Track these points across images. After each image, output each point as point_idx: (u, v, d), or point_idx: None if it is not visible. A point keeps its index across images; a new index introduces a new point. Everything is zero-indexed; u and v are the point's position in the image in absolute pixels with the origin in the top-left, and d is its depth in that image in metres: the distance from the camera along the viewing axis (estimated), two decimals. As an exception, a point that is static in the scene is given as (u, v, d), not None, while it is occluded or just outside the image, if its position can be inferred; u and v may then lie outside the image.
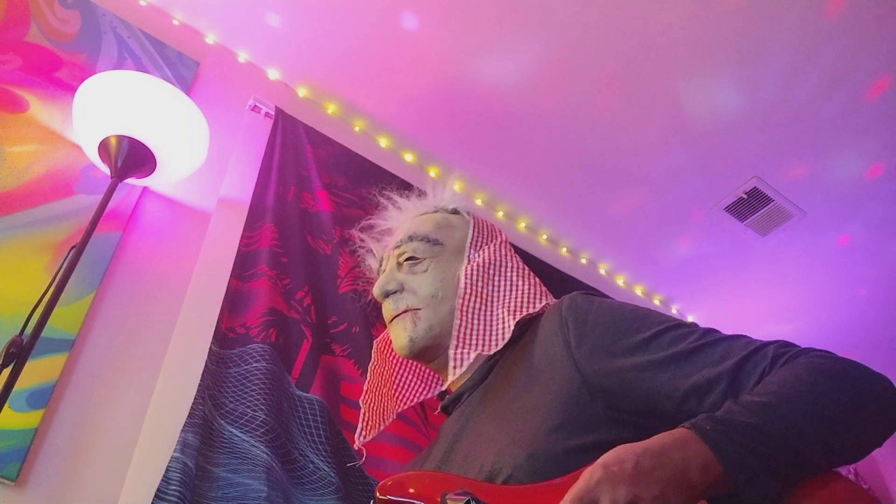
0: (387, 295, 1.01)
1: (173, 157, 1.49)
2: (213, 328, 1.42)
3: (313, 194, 1.85)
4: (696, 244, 2.58)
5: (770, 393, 0.64)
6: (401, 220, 1.13)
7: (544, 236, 2.56)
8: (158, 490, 1.16)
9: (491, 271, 0.99)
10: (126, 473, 1.23)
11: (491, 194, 2.43)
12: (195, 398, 1.30)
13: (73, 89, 1.46)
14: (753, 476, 0.58)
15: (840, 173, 2.24)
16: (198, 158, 1.55)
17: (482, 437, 0.81)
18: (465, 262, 1.00)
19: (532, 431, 0.74)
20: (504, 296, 0.96)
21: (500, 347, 0.89)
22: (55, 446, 1.25)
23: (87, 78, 1.41)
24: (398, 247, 1.05)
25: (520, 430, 0.76)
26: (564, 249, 2.60)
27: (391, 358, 1.16)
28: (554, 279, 2.36)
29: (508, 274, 1.00)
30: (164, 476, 1.18)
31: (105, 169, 1.43)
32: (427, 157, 2.31)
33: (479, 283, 0.96)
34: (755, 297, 2.80)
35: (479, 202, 2.43)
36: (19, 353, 1.08)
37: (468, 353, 0.88)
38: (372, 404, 1.08)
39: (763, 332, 2.99)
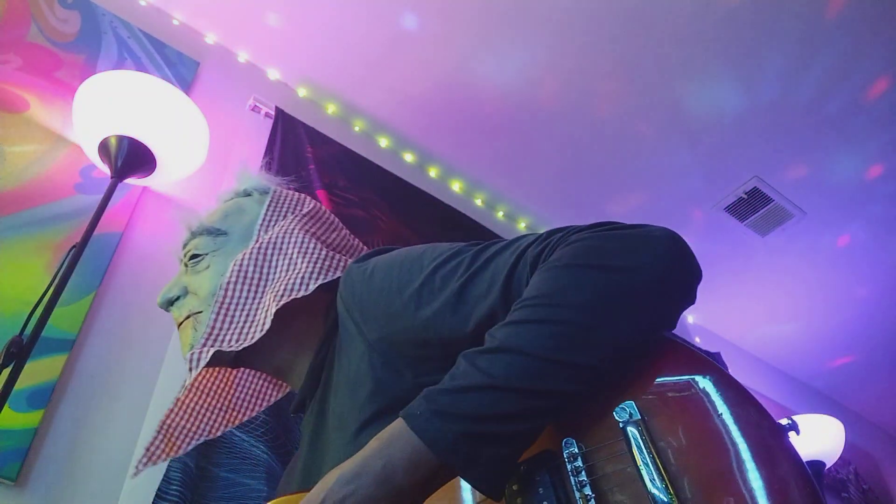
0: (170, 303, 0.89)
1: (173, 157, 1.48)
2: (213, 328, 1.42)
3: (313, 194, 1.85)
4: (696, 244, 2.57)
5: (504, 327, 0.57)
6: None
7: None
8: (159, 490, 1.16)
9: (269, 251, 0.85)
10: (126, 473, 1.23)
11: (491, 194, 2.43)
12: (195, 398, 1.29)
13: (73, 89, 1.46)
14: (471, 458, 0.51)
15: (840, 173, 2.24)
16: (198, 158, 1.55)
17: (326, 443, 0.75)
18: (250, 246, 0.88)
19: (356, 430, 0.69)
20: (277, 279, 0.83)
21: (252, 341, 0.77)
22: (55, 446, 1.25)
23: (87, 78, 1.41)
24: (184, 246, 0.93)
25: (348, 430, 0.70)
26: (564, 249, 2.60)
27: (221, 369, 1.00)
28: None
29: (289, 251, 0.85)
30: (164, 476, 1.18)
31: (105, 169, 1.43)
32: (427, 157, 2.32)
33: (251, 268, 0.83)
34: (755, 297, 2.81)
35: (479, 202, 2.43)
36: (19, 353, 1.08)
37: (206, 351, 0.76)
38: (178, 424, 0.91)
39: (763, 332, 2.99)
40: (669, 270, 0.57)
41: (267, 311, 0.79)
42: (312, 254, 0.85)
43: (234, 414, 0.98)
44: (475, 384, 0.53)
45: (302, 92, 2.13)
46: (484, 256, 0.67)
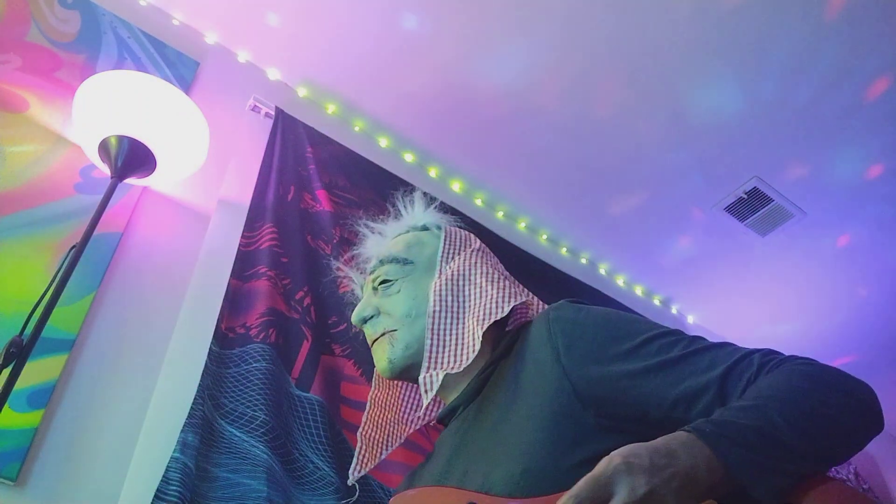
0: (364, 321, 1.01)
1: (173, 157, 1.48)
2: (213, 328, 1.42)
3: (313, 194, 1.85)
4: (696, 244, 2.58)
5: (760, 397, 0.65)
6: (378, 245, 1.13)
7: (544, 236, 2.57)
8: (158, 490, 1.16)
9: (461, 282, 0.98)
10: (126, 473, 1.23)
11: (491, 194, 2.43)
12: (195, 398, 1.30)
13: (73, 89, 1.46)
14: (758, 474, 0.59)
15: (840, 173, 2.24)
16: (198, 158, 1.55)
17: (478, 451, 0.81)
18: (436, 276, 1.00)
19: (525, 445, 0.75)
20: (474, 305, 0.94)
21: (469, 362, 0.88)
22: (55, 446, 1.25)
23: (87, 78, 1.41)
24: (372, 272, 1.05)
25: (514, 445, 0.76)
26: (564, 249, 2.60)
27: (391, 384, 1.15)
28: (554, 279, 2.37)
29: (478, 280, 0.97)
30: (164, 476, 1.17)
31: (105, 169, 1.43)
32: (427, 157, 2.32)
33: (449, 297, 0.96)
34: (755, 297, 2.81)
35: (479, 202, 2.43)
36: (19, 353, 1.08)
37: (437, 373, 0.87)
38: (371, 436, 1.07)
39: (763, 332, 2.99)
40: (872, 420, 0.69)
41: (473, 334, 0.90)
42: (498, 282, 0.97)
43: (404, 427, 1.12)
44: (746, 423, 0.62)
45: (302, 92, 2.13)
46: (702, 343, 0.77)
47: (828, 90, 1.99)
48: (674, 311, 2.88)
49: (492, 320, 0.89)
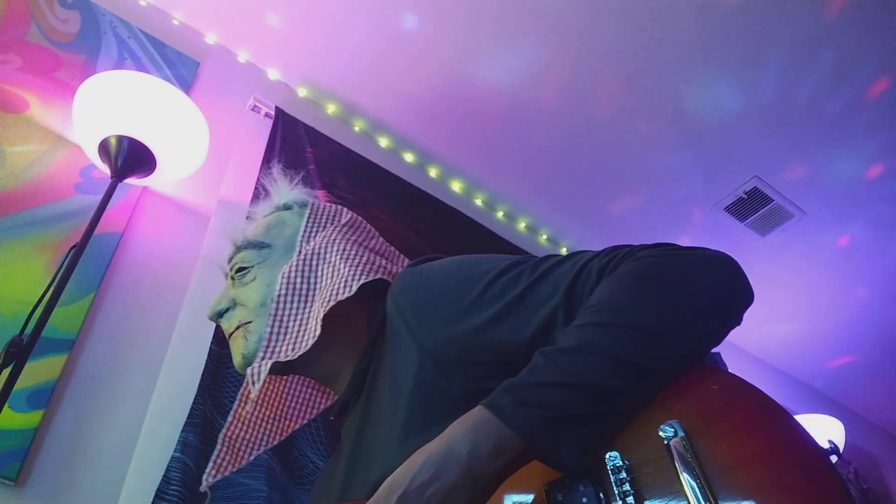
0: (219, 315, 0.92)
1: (173, 157, 1.48)
2: (213, 328, 1.42)
3: (313, 195, 1.85)
4: (696, 244, 2.57)
5: (581, 328, 0.60)
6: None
7: (544, 236, 2.57)
8: (158, 490, 1.16)
9: (314, 262, 0.89)
10: (126, 473, 1.23)
11: (491, 194, 2.43)
12: (195, 398, 1.30)
13: (73, 89, 1.46)
14: (559, 439, 0.55)
15: (840, 173, 2.24)
16: (198, 158, 1.55)
17: (369, 451, 0.76)
18: (294, 257, 0.91)
19: (403, 431, 0.70)
20: (323, 287, 0.86)
21: (307, 348, 0.80)
22: (55, 446, 1.25)
23: (87, 78, 1.41)
24: (229, 260, 0.96)
25: (396, 432, 0.71)
26: (564, 249, 2.60)
27: (269, 378, 1.02)
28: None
29: (332, 258, 0.88)
30: (164, 476, 1.18)
31: (105, 169, 1.43)
32: (427, 157, 2.32)
33: (298, 279, 0.87)
34: (755, 297, 2.80)
35: (479, 202, 2.43)
36: (19, 353, 1.08)
37: (267, 363, 0.80)
38: (238, 436, 0.94)
39: (763, 332, 2.99)
40: (728, 292, 0.62)
41: (317, 318, 0.82)
42: (353, 258, 0.88)
43: (287, 423, 1.02)
44: (556, 381, 0.57)
45: (302, 92, 2.13)
46: (544, 266, 0.71)
47: (828, 90, 1.99)
48: (674, 311, 2.87)
49: (335, 301, 0.80)
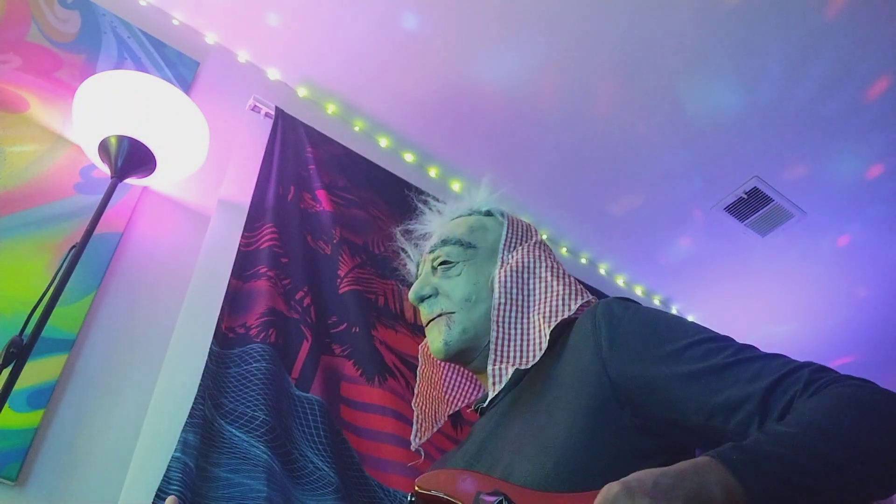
0: (421, 300, 1.02)
1: (173, 157, 1.49)
2: (213, 328, 1.42)
3: (313, 194, 1.85)
4: (696, 244, 2.58)
5: (800, 423, 0.62)
6: (437, 224, 1.13)
7: (544, 236, 2.56)
8: (158, 490, 1.16)
9: (525, 275, 0.98)
10: (126, 473, 1.23)
11: (491, 194, 2.43)
12: (195, 398, 1.30)
13: (73, 89, 1.46)
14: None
15: (840, 173, 2.24)
16: (198, 158, 1.55)
17: (512, 441, 0.81)
18: (499, 264, 1.00)
19: (559, 439, 0.74)
20: (539, 300, 0.95)
21: (536, 360, 0.88)
22: (55, 446, 1.25)
23: (87, 78, 1.41)
24: (432, 251, 1.05)
25: (547, 437, 0.76)
26: (564, 249, 2.60)
27: (435, 361, 1.16)
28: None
29: (543, 275, 0.97)
30: (164, 476, 1.18)
31: (105, 169, 1.43)
32: (427, 157, 2.32)
33: (514, 290, 0.96)
34: (755, 297, 2.81)
35: (479, 202, 2.43)
36: (19, 353, 1.08)
37: (507, 367, 0.88)
38: (423, 407, 1.12)
39: (763, 332, 2.99)
40: None
41: (540, 331, 0.89)
42: (563, 278, 0.97)
43: (446, 406, 1.15)
44: (778, 454, 0.59)
45: (302, 92, 2.13)
46: (752, 353, 0.73)
47: (828, 90, 1.99)
48: (674, 310, 2.88)
49: (559, 319, 0.89)
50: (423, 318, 1.03)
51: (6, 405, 1.05)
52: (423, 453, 1.17)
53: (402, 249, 1.19)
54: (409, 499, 0.74)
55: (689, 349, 0.75)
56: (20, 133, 1.50)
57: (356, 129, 2.21)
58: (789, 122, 2.09)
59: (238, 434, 1.32)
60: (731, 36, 1.88)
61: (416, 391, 1.14)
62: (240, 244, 1.60)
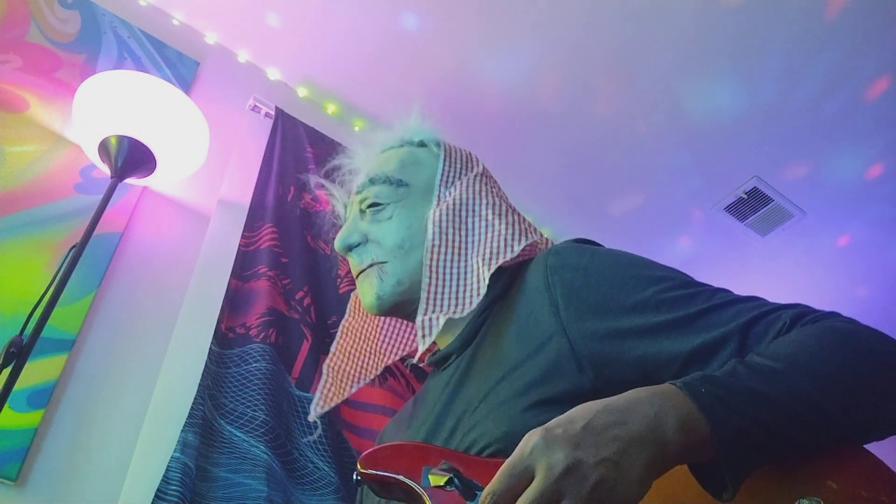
0: (349, 249, 0.90)
1: (173, 157, 1.49)
2: (213, 328, 1.42)
3: (313, 194, 1.85)
4: (696, 244, 2.58)
5: (782, 355, 0.56)
6: (364, 158, 0.98)
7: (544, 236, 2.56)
8: (158, 490, 1.16)
9: (463, 212, 0.86)
10: (126, 473, 1.23)
11: (491, 194, 2.43)
12: (195, 398, 1.30)
13: (73, 89, 1.46)
14: (743, 446, 0.50)
15: (840, 173, 2.24)
16: (198, 158, 1.55)
17: (467, 408, 0.73)
18: (435, 203, 0.88)
19: (511, 405, 0.67)
20: (479, 241, 0.84)
21: (474, 307, 0.78)
22: (55, 446, 1.25)
23: (87, 78, 1.41)
24: (359, 192, 0.93)
25: (501, 404, 0.68)
26: (564, 249, 2.60)
27: (368, 314, 1.03)
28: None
29: (483, 212, 0.86)
30: (164, 476, 1.18)
31: (105, 169, 1.43)
32: (427, 157, 2.32)
33: (450, 230, 0.84)
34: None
35: (479, 202, 2.43)
36: (19, 353, 1.08)
37: (437, 317, 0.77)
38: (340, 367, 0.96)
39: (763, 332, 2.99)
40: None
41: (479, 275, 0.79)
42: (507, 215, 0.86)
43: (381, 357, 1.01)
44: (754, 389, 0.53)
45: (302, 92, 2.13)
46: (725, 297, 0.67)
47: (828, 90, 1.99)
48: (674, 311, 2.88)
49: (500, 262, 0.79)
50: (353, 270, 0.91)
51: (6, 405, 1.05)
52: (319, 425, 1.01)
53: (326, 189, 1.04)
54: (354, 478, 0.65)
55: (658, 297, 0.67)
56: (20, 133, 1.50)
57: (356, 129, 2.21)
58: (789, 122, 2.09)
59: (238, 434, 1.32)
60: (731, 36, 1.88)
61: (332, 349, 0.96)
62: (240, 244, 1.60)
